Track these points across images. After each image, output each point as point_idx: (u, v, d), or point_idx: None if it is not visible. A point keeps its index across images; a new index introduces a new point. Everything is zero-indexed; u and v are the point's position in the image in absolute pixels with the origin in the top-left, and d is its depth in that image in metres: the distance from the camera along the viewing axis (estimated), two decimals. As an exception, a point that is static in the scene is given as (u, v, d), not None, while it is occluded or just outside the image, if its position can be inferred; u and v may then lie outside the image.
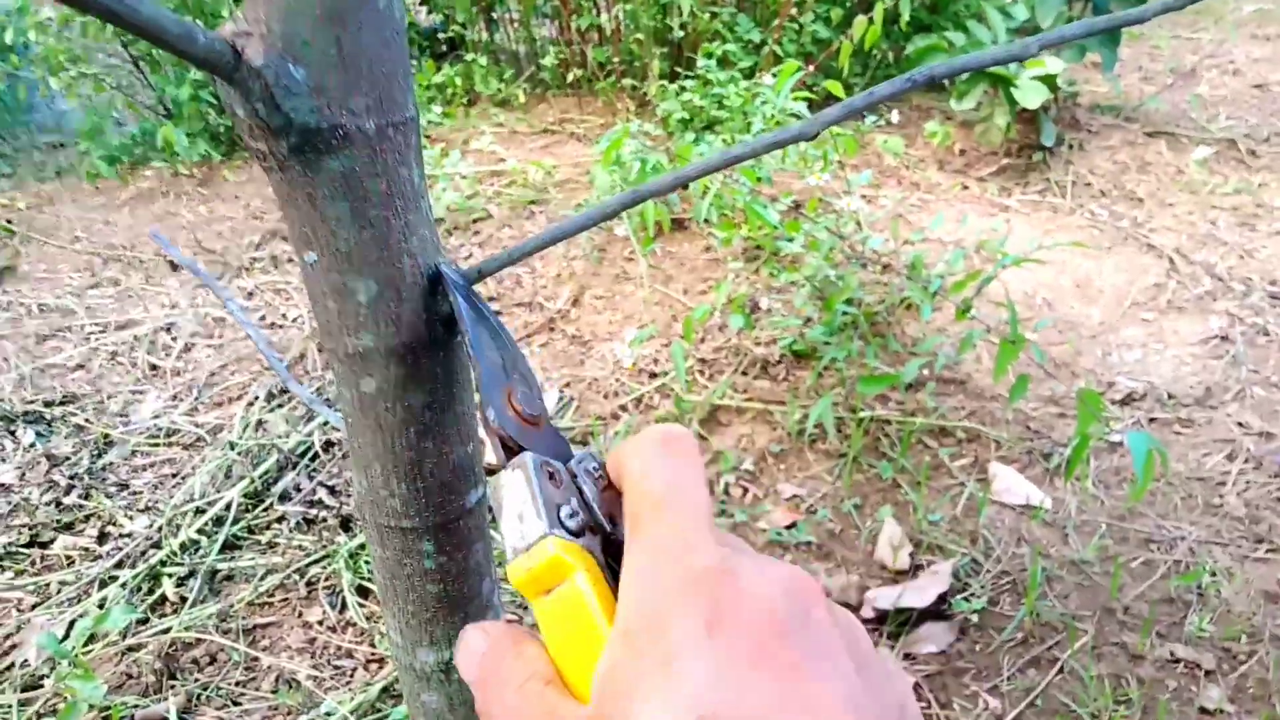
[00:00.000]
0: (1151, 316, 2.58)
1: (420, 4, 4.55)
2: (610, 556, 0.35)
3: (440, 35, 4.73)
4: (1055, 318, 2.60)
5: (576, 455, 0.40)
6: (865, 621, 1.73)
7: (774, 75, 2.88)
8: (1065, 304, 2.66)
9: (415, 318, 0.55)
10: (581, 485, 0.37)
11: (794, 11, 3.67)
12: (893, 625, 1.71)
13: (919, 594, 1.75)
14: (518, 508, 0.36)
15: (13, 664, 1.78)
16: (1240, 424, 2.16)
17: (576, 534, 0.35)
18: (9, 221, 3.70)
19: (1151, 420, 2.19)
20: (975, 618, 1.73)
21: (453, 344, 0.58)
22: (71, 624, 1.86)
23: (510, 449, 0.41)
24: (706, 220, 2.90)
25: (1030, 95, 3.07)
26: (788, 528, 1.93)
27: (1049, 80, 3.15)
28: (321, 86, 0.47)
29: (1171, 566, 1.81)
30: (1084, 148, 3.53)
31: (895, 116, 3.43)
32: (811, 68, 3.72)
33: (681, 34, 3.77)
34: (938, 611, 1.74)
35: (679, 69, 3.88)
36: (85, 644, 1.78)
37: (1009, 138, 3.38)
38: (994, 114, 3.31)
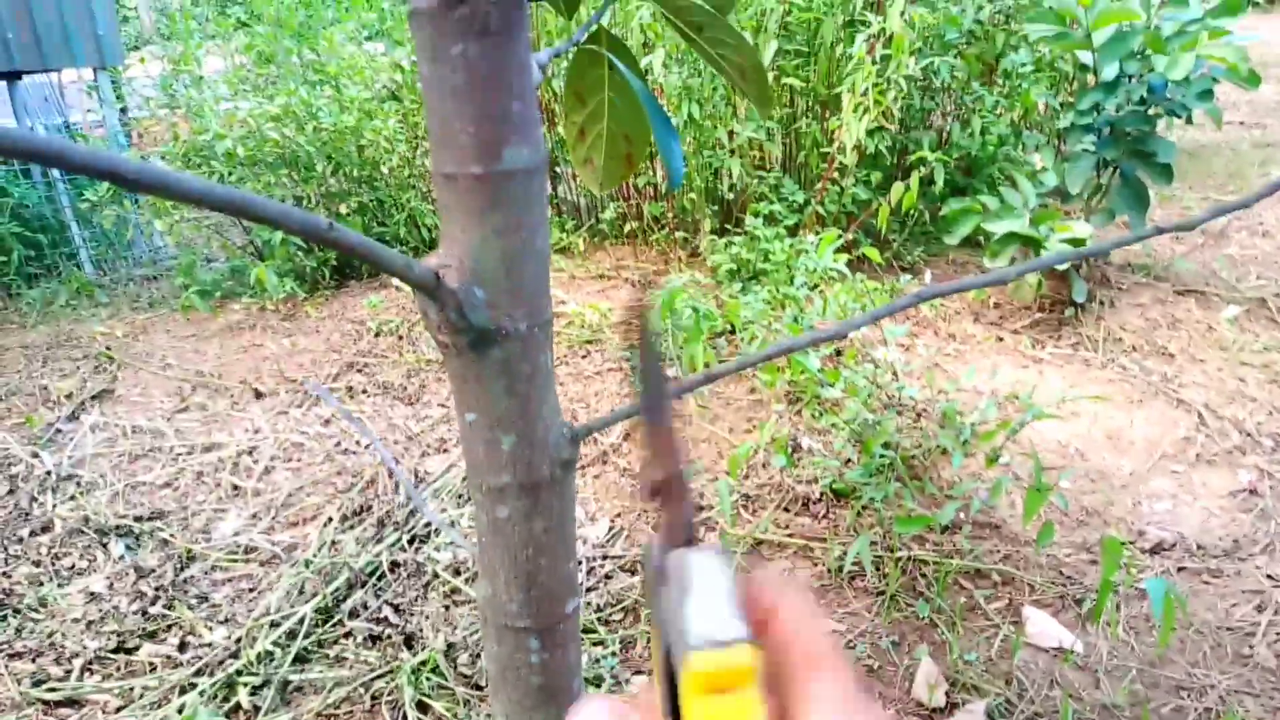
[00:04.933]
0: (1181, 469, 2.68)
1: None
2: None
3: (508, 187, 5.13)
4: (1087, 467, 2.71)
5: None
6: (902, 757, 1.80)
7: (817, 234, 3.13)
8: (1097, 454, 2.78)
9: (541, 462, 0.73)
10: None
11: (835, 175, 3.98)
12: (929, 762, 1.78)
13: (954, 732, 1.82)
14: (711, 596, 0.36)
15: (96, 764, 1.91)
16: (1269, 576, 2.23)
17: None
18: (108, 348, 4.03)
19: (1180, 569, 2.26)
20: (1009, 758, 1.79)
21: (566, 481, 0.76)
22: (153, 728, 1.99)
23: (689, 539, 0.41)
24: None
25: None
26: (827, 661, 2.02)
27: (1078, 243, 3.36)
28: (495, 302, 0.67)
29: (1202, 714, 1.86)
30: (1115, 304, 3.70)
31: (928, 276, 3.65)
32: (852, 228, 3.99)
33: (731, 194, 4.09)
34: (973, 750, 1.81)
35: (728, 225, 4.19)
36: (167, 746, 1.91)
37: (1041, 294, 3.58)
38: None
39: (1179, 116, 3.64)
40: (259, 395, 3.53)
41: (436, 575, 2.40)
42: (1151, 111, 3.65)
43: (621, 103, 1.11)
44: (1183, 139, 6.13)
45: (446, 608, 2.29)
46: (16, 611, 2.34)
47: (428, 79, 0.60)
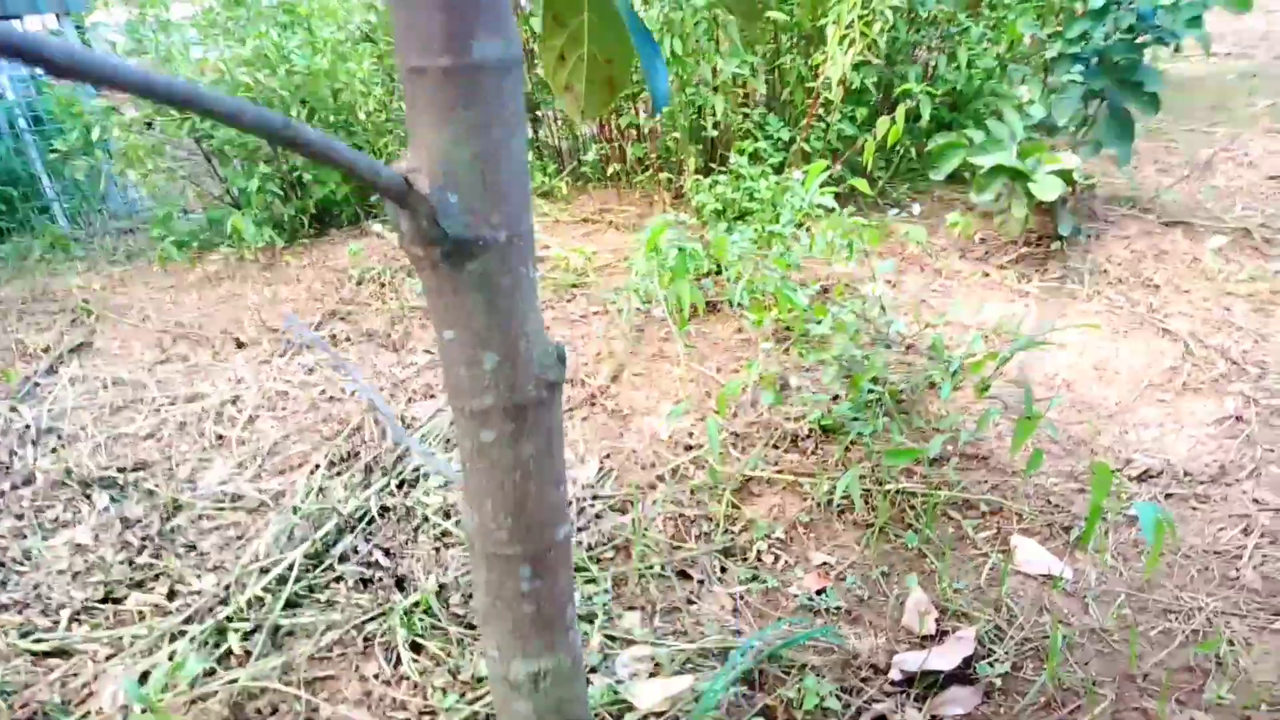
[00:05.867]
0: (1168, 397, 2.68)
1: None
2: None
3: (487, 130, 5.04)
4: (1074, 398, 2.71)
5: None
6: (893, 684, 1.81)
7: (803, 171, 3.08)
8: (1084, 385, 2.78)
9: (526, 383, 0.70)
10: None
11: (820, 111, 3.91)
12: (919, 688, 1.79)
13: (945, 658, 1.83)
14: None
15: (89, 712, 1.91)
16: (1256, 500, 2.24)
17: None
18: (85, 301, 3.96)
19: (1168, 496, 2.28)
20: (999, 682, 1.81)
21: (553, 403, 0.73)
22: (144, 675, 1.98)
23: None
24: (739, 303, 3.07)
25: (1047, 189, 3.24)
26: (818, 593, 2.03)
27: (1065, 175, 3.32)
28: (470, 208, 0.64)
29: (1189, 635, 1.89)
30: (1101, 237, 3.68)
31: (916, 209, 3.61)
32: (838, 164, 3.93)
33: (715, 133, 4.01)
34: (963, 675, 1.82)
35: (713, 164, 4.12)
36: (159, 692, 1.90)
37: (1028, 228, 3.55)
38: (1012, 206, 3.48)
39: (1167, 44, 3.58)
40: (240, 345, 3.48)
41: (426, 519, 2.39)
42: (1139, 40, 3.59)
43: (602, 23, 1.06)
44: (1167, 72, 6.06)
45: (437, 550, 2.28)
46: (1, 565, 2.32)
47: (391, -38, 0.56)
